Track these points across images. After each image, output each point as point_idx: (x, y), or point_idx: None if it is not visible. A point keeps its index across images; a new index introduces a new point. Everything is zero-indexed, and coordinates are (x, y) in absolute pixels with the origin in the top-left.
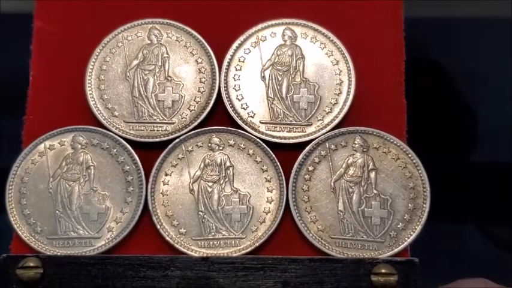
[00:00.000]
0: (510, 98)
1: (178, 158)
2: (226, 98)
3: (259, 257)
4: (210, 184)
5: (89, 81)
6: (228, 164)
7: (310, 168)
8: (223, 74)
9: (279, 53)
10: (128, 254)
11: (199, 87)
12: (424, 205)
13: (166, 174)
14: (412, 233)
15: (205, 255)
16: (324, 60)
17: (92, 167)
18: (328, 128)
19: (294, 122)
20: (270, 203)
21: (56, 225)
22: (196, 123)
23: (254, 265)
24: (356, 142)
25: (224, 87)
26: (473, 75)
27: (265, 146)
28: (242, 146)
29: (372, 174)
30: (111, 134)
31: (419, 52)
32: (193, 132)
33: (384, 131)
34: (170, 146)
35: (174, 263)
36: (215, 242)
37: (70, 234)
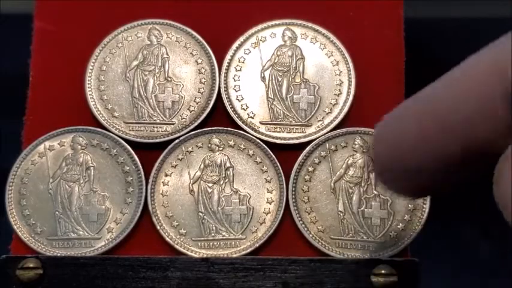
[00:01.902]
0: None
1: (178, 159)
2: (226, 98)
3: (259, 258)
4: (210, 185)
5: (89, 82)
6: (228, 164)
7: (310, 168)
8: (223, 74)
9: (279, 53)
10: (128, 255)
11: (199, 88)
12: (424, 206)
13: (166, 175)
14: (412, 233)
15: (205, 255)
16: (324, 61)
17: (91, 168)
18: (328, 128)
19: (294, 122)
20: (270, 204)
21: (55, 226)
22: (196, 124)
23: (254, 266)
24: (356, 143)
25: (224, 87)
26: None
27: (265, 146)
28: (242, 146)
29: (372, 175)
30: (111, 134)
31: (419, 52)
32: (193, 132)
33: None
34: (170, 146)
35: (174, 264)
36: (215, 243)
37: (70, 235)
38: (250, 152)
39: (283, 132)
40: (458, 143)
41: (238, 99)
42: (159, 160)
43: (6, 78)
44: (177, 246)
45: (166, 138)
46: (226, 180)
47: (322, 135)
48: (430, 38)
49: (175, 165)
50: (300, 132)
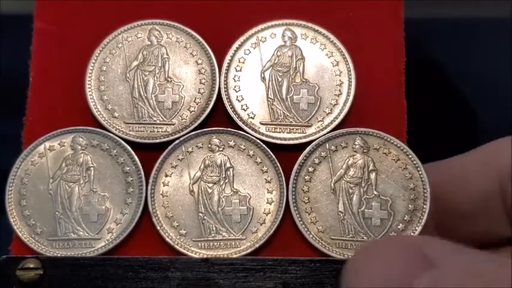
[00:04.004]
0: (510, 98)
1: (178, 159)
2: (226, 99)
3: (259, 258)
4: (210, 185)
5: (89, 82)
6: (228, 165)
7: (310, 169)
8: (223, 75)
9: (279, 53)
10: (128, 256)
11: (199, 89)
12: (425, 206)
13: (166, 176)
14: (412, 234)
15: (205, 256)
16: (324, 61)
17: (91, 168)
18: (329, 129)
19: (294, 123)
20: (270, 204)
21: (56, 226)
22: (196, 124)
23: (254, 266)
24: (356, 143)
25: (224, 88)
26: (473, 75)
27: (265, 147)
28: (242, 147)
29: (372, 175)
30: (111, 135)
31: (419, 52)
32: (193, 133)
33: (384, 131)
34: (170, 147)
35: (174, 265)
36: (215, 243)
37: (70, 236)
38: (251, 153)
39: (283, 132)
40: None
41: (238, 100)
42: (159, 160)
43: (6, 78)
44: (177, 247)
45: (167, 139)
46: (227, 180)
47: (322, 136)
48: (430, 38)
49: (176, 166)
50: (300, 133)
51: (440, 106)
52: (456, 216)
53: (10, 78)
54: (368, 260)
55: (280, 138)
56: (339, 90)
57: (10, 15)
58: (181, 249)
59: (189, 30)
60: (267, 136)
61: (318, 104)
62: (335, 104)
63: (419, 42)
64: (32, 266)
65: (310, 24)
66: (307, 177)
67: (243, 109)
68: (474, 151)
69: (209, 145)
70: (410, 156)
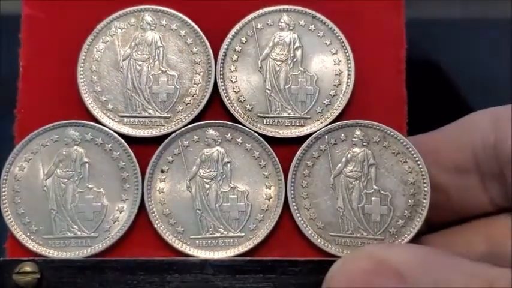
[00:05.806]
0: (510, 98)
1: (175, 154)
2: (223, 90)
3: (258, 260)
4: (208, 181)
5: (81, 73)
6: (225, 159)
7: (309, 163)
8: (219, 64)
9: (276, 41)
10: (126, 256)
11: (194, 79)
12: (425, 201)
13: (162, 171)
14: (412, 229)
15: (203, 256)
16: (322, 50)
17: (86, 164)
18: (328, 121)
19: (292, 115)
20: (269, 200)
21: (51, 224)
22: (192, 117)
23: (253, 267)
24: (356, 135)
25: (221, 78)
26: (473, 75)
27: (263, 140)
28: (239, 140)
29: (372, 170)
30: (105, 128)
31: (420, 52)
32: (189, 126)
33: (383, 123)
34: (166, 141)
35: (172, 267)
36: (213, 241)
37: (66, 234)
38: (248, 146)
39: (281, 125)
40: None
41: (235, 91)
42: (155, 155)
43: (6, 79)
44: (174, 245)
45: (162, 132)
46: (224, 176)
47: (321, 128)
48: (430, 38)
49: (172, 161)
50: (299, 125)
51: (440, 106)
52: (431, 189)
53: (9, 78)
54: (341, 276)
55: (278, 132)
56: (338, 79)
57: (10, 15)
58: (179, 247)
59: (183, 17)
60: (264, 129)
61: (317, 95)
62: (334, 95)
63: (419, 42)
64: (28, 269)
65: (308, 10)
66: (306, 172)
67: (240, 101)
68: (449, 126)
69: (206, 139)
70: (410, 149)
